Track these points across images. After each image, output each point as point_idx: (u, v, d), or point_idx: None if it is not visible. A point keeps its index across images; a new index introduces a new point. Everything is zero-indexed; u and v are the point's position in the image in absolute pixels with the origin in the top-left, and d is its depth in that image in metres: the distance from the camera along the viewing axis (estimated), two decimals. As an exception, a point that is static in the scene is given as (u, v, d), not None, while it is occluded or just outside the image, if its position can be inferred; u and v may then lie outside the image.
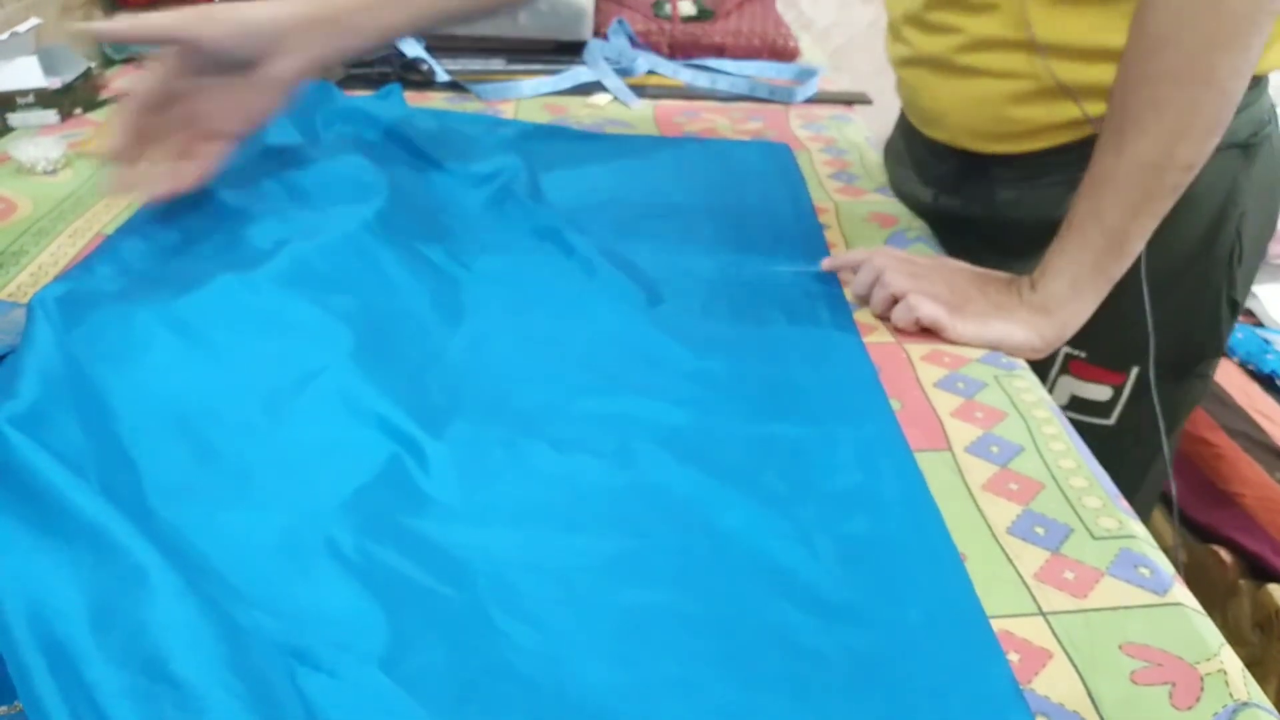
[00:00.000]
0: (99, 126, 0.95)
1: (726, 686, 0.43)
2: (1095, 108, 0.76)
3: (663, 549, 0.50)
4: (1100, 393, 0.85)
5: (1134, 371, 0.84)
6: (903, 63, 0.89)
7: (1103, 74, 0.70)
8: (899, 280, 0.71)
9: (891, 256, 0.74)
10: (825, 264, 0.77)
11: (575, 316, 0.70)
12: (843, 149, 1.02)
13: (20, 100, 0.95)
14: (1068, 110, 0.78)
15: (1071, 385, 0.86)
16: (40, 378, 0.50)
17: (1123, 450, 0.71)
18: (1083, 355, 0.84)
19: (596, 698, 0.42)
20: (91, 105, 1.01)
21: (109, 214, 0.80)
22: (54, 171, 0.87)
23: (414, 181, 0.83)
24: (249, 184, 0.78)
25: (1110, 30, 0.70)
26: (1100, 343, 0.81)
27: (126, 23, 0.69)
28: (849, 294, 0.75)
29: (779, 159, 0.99)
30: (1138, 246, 0.68)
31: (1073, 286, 0.69)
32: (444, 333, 0.67)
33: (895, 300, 0.71)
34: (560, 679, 0.43)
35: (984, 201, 0.87)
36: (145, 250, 0.69)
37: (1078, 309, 0.69)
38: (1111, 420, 0.86)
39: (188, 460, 0.51)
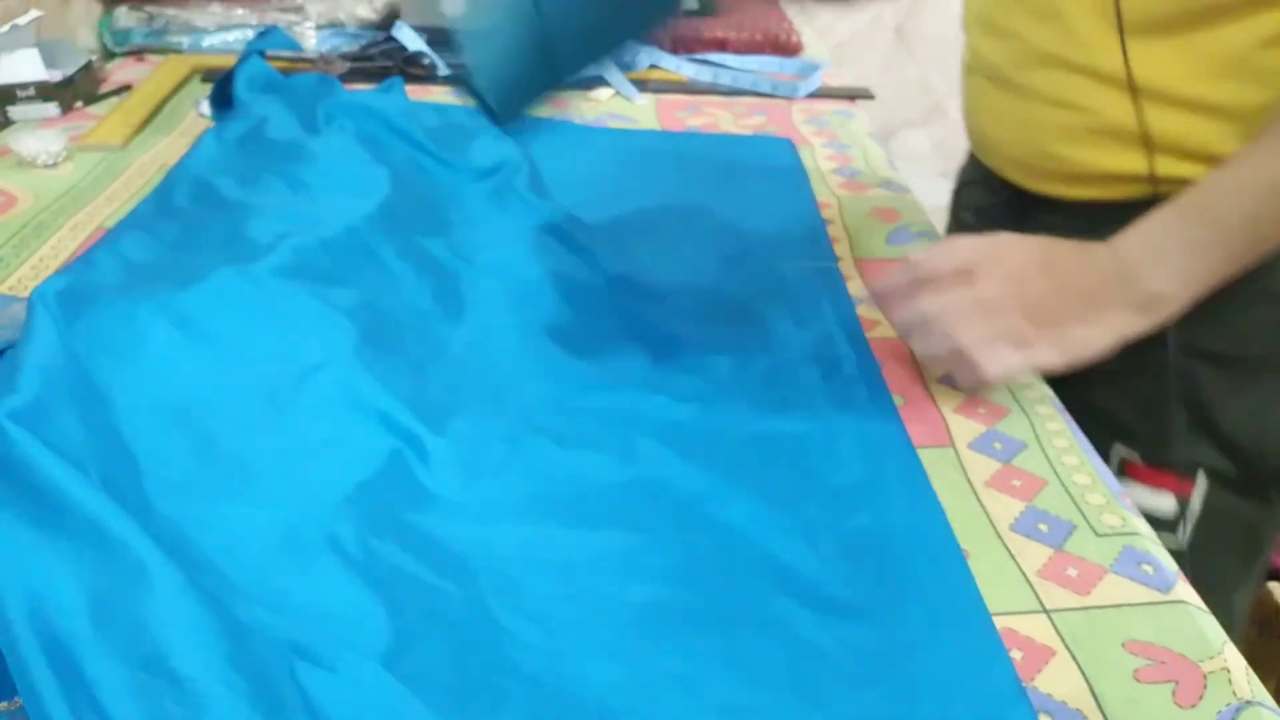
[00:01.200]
0: (100, 119, 0.94)
1: (729, 683, 0.43)
2: (1169, 166, 0.63)
3: (665, 545, 0.50)
4: (1162, 504, 0.67)
5: (1203, 478, 0.67)
6: (966, 69, 0.81)
7: (1187, 126, 0.59)
8: (961, 332, 0.56)
9: (943, 294, 0.56)
10: (872, 289, 0.63)
11: (577, 311, 0.70)
12: (845, 144, 1.02)
13: (20, 93, 0.95)
14: (1129, 160, 0.65)
15: (1131, 492, 0.67)
16: (40, 372, 0.49)
17: (1200, 579, 0.50)
18: (1137, 457, 0.68)
19: (599, 694, 0.42)
20: (92, 98, 1.00)
21: (110, 207, 0.80)
22: (55, 165, 0.87)
23: (416, 175, 0.83)
24: (251, 178, 0.78)
25: (1207, 75, 0.59)
26: (1155, 438, 0.65)
27: None
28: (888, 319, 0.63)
29: (782, 154, 0.98)
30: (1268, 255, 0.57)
31: (1187, 287, 0.56)
32: (446, 327, 0.66)
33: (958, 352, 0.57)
34: (563, 675, 0.43)
35: None
36: (146, 243, 0.69)
37: (1179, 308, 0.58)
38: (1181, 542, 0.67)
39: (188, 455, 0.50)
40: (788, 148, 0.99)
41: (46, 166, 0.86)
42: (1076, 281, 0.57)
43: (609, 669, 0.43)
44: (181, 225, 0.72)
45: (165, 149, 0.91)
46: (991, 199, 0.82)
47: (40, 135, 0.87)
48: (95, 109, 0.99)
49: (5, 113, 0.94)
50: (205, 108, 0.97)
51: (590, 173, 0.91)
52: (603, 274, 0.74)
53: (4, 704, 0.37)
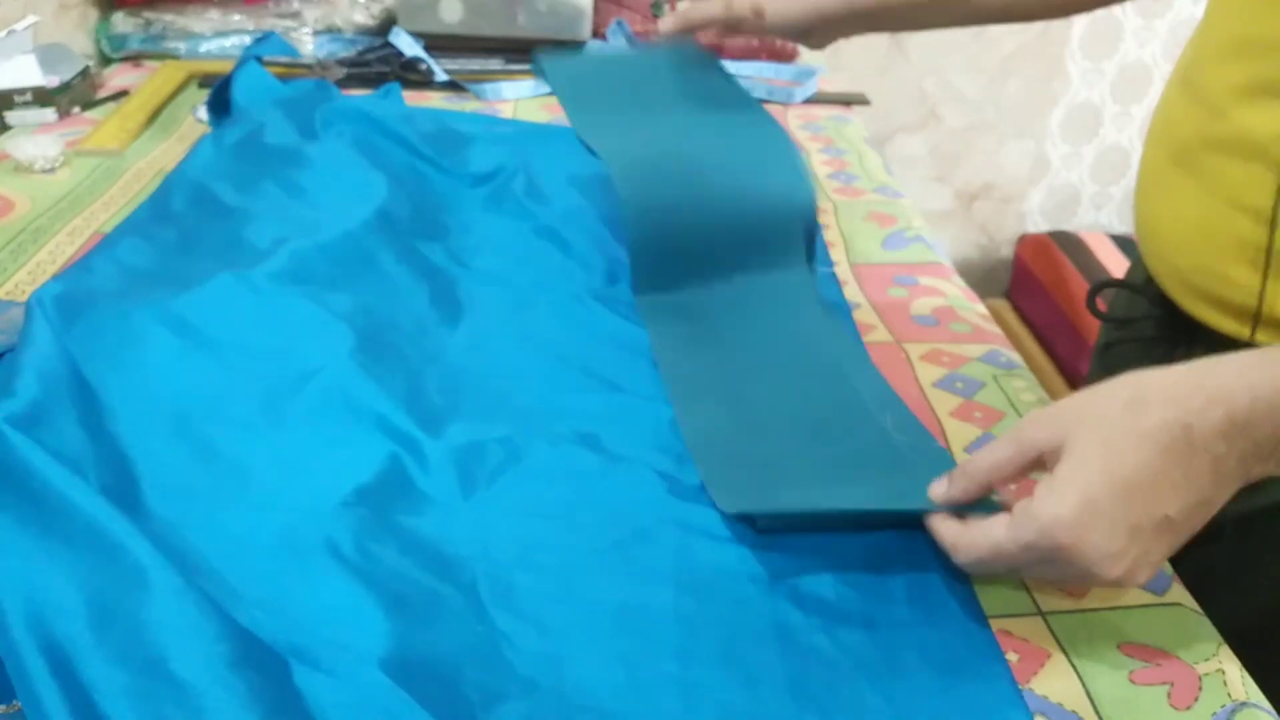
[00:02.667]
0: (97, 125, 0.94)
1: (725, 685, 0.43)
2: None
3: (661, 548, 0.50)
4: None
5: None
6: (1150, 139, 0.64)
7: None
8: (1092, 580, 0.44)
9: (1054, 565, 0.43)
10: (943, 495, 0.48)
11: (573, 316, 0.70)
12: (841, 149, 1.02)
13: (18, 98, 0.95)
14: None
15: None
16: (39, 376, 0.50)
17: None
18: None
19: (595, 696, 0.42)
20: (89, 103, 1.01)
21: (107, 212, 0.80)
22: (52, 170, 0.87)
23: (413, 180, 0.83)
24: (248, 183, 0.78)
25: None
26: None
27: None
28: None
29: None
30: None
31: None
32: (443, 331, 0.67)
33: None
34: (560, 678, 0.43)
35: None
36: (143, 249, 0.69)
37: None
38: None
39: (186, 459, 0.51)
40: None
41: (44, 171, 0.86)
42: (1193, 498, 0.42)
43: (606, 671, 0.43)
44: (179, 230, 0.72)
45: (162, 154, 0.91)
46: (1143, 310, 0.66)
47: (37, 140, 0.87)
48: (92, 114, 0.99)
49: (2, 118, 0.95)
50: (202, 113, 0.97)
51: (586, 178, 0.91)
52: (598, 278, 0.74)
53: (3, 707, 0.37)
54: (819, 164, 0.98)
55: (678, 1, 1.33)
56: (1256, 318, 0.56)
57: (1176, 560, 0.48)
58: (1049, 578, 0.48)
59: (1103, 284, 0.69)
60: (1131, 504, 0.41)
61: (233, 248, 0.69)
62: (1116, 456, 0.41)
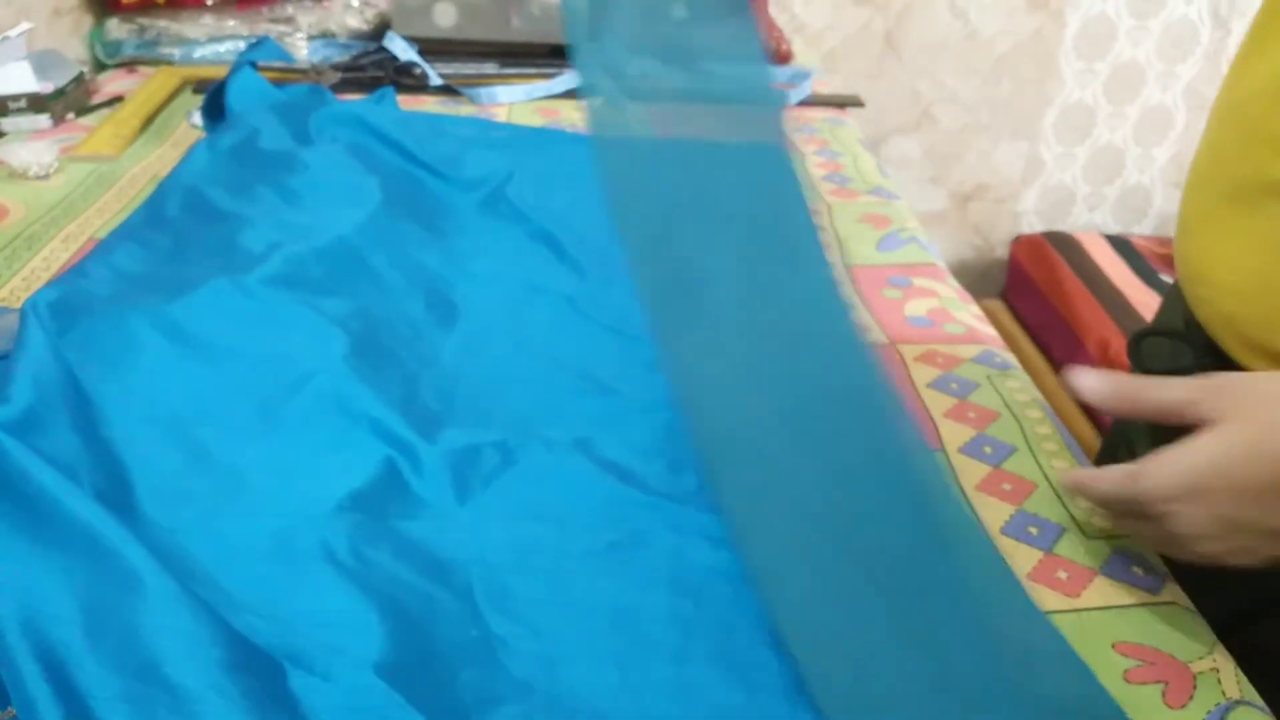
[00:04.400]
0: (91, 131, 0.94)
1: (721, 687, 0.43)
2: None
3: (656, 551, 0.50)
4: None
5: None
6: (1195, 179, 0.59)
7: None
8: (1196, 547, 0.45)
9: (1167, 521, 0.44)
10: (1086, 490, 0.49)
11: (567, 320, 0.70)
12: (836, 151, 1.02)
13: (12, 105, 0.95)
14: None
15: None
16: (33, 383, 0.50)
17: None
18: None
19: (590, 699, 0.42)
20: (84, 110, 1.01)
21: (101, 219, 0.80)
22: (46, 176, 0.87)
23: (407, 185, 0.83)
24: (243, 189, 0.78)
25: None
26: None
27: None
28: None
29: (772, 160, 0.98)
30: None
31: None
32: (437, 336, 0.67)
33: None
34: (554, 680, 0.43)
35: None
36: (138, 254, 0.69)
37: None
38: None
39: (180, 464, 0.51)
40: (779, 154, 1.00)
41: (38, 178, 0.86)
42: None
43: (601, 674, 0.43)
44: (173, 236, 0.72)
45: (157, 160, 0.91)
46: (1189, 360, 0.61)
47: (32, 147, 0.87)
48: (86, 120, 0.99)
49: (-4, 125, 0.95)
50: (197, 119, 0.97)
51: (581, 182, 0.90)
52: (592, 283, 0.74)
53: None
54: (814, 166, 0.98)
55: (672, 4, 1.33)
56: None
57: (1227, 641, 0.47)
58: (1145, 535, 0.49)
59: (1145, 333, 0.66)
60: (1242, 504, 0.42)
61: (227, 252, 0.69)
62: (1254, 458, 0.41)
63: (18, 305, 0.65)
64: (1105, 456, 0.72)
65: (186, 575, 0.42)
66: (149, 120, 0.99)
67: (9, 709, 0.36)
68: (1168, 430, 0.49)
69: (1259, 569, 0.45)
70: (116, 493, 0.47)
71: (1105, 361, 1.54)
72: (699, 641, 0.45)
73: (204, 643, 0.38)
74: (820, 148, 1.03)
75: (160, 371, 0.56)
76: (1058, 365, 1.73)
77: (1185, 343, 0.63)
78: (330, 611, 0.43)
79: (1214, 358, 0.59)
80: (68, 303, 0.59)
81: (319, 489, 0.49)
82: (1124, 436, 0.70)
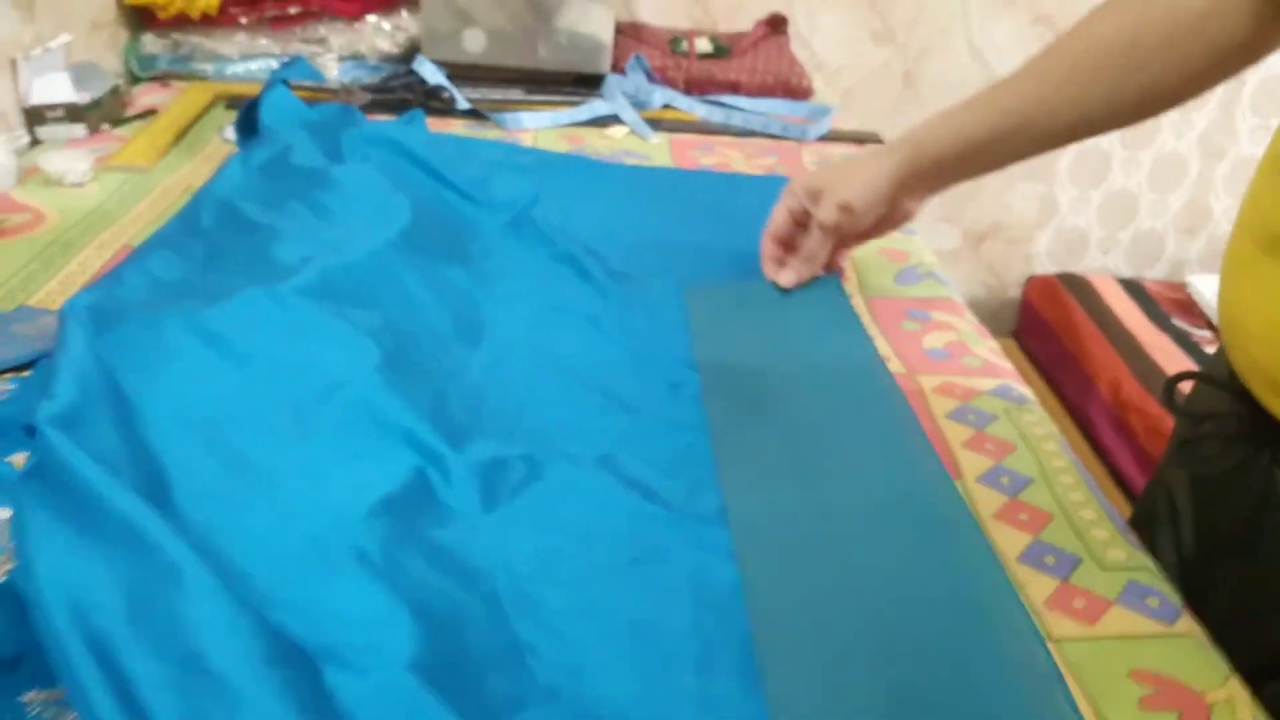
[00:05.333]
0: (125, 142, 0.96)
1: (744, 698, 0.44)
2: None
3: (678, 567, 0.51)
4: None
5: None
6: (1238, 226, 0.60)
7: None
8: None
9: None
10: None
11: (590, 339, 0.71)
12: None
13: (49, 114, 0.97)
14: None
15: None
16: (75, 381, 0.51)
17: None
18: None
19: (614, 706, 0.43)
20: (118, 120, 1.03)
21: (135, 227, 0.81)
22: (81, 184, 0.88)
23: (435, 205, 0.85)
24: (276, 203, 0.79)
25: None
26: None
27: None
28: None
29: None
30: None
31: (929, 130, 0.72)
32: (464, 351, 0.68)
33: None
34: (579, 687, 0.44)
35: (1238, 496, 0.61)
36: (173, 262, 0.71)
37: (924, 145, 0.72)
38: None
39: (216, 467, 0.52)
40: (798, 188, 1.01)
41: (73, 185, 0.88)
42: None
43: (624, 682, 0.44)
44: (207, 246, 0.74)
45: (190, 172, 0.92)
46: (1225, 405, 0.63)
47: (68, 155, 0.89)
48: (121, 131, 1.01)
49: (34, 133, 0.96)
50: (230, 133, 0.99)
51: (605, 207, 0.92)
52: (615, 304, 0.76)
53: (46, 693, 0.38)
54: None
55: (695, 38, 1.36)
56: None
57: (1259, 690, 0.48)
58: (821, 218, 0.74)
59: (1181, 376, 0.66)
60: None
61: (260, 263, 0.70)
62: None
63: (53, 307, 0.67)
64: (1144, 502, 0.73)
65: (223, 572, 0.43)
66: (182, 133, 1.01)
67: (57, 688, 0.37)
68: (1205, 482, 0.59)
69: None
70: (154, 490, 0.48)
71: (1117, 403, 1.55)
72: (721, 654, 0.46)
73: (244, 635, 0.39)
74: (840, 181, 1.04)
75: (196, 375, 0.57)
76: (1069, 405, 1.74)
77: (1223, 389, 0.63)
78: (363, 611, 0.43)
79: (1248, 406, 0.60)
80: (105, 306, 0.60)
81: (351, 494, 0.50)
82: (1162, 483, 0.71)
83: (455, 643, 0.44)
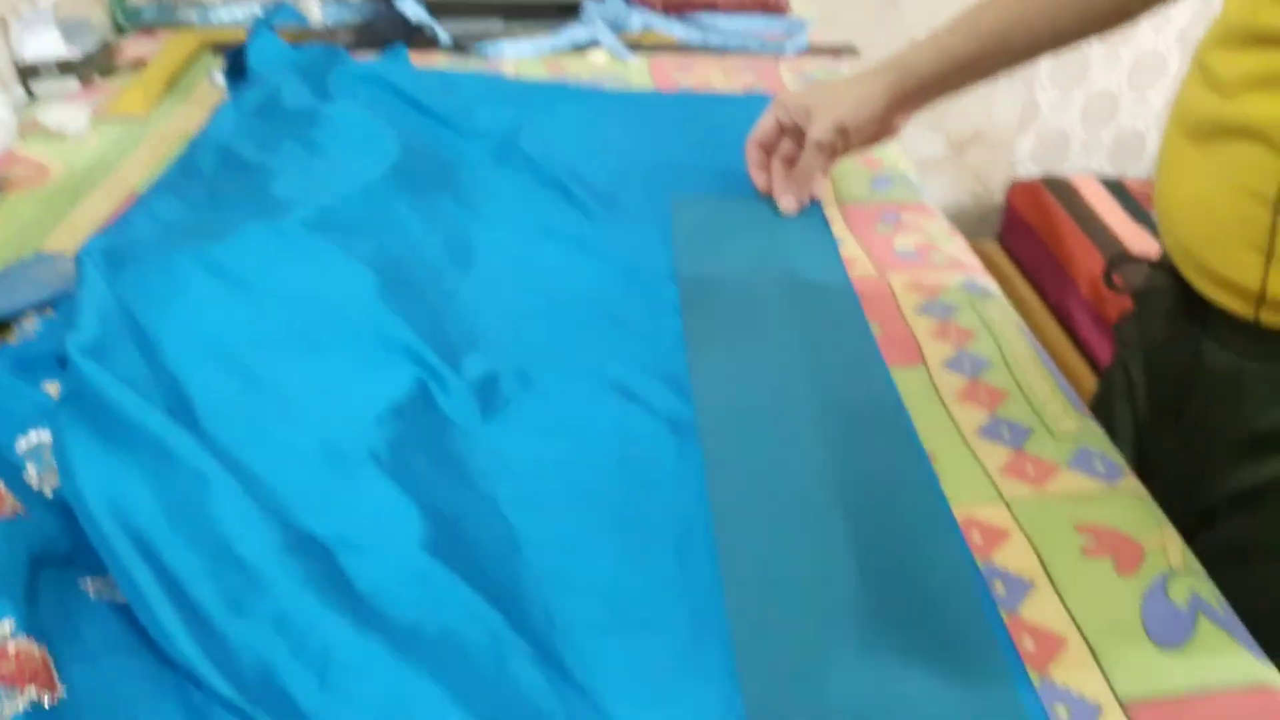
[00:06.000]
0: (119, 92, 0.99)
1: (717, 572, 0.49)
2: None
3: (661, 459, 0.56)
4: None
5: None
6: (1171, 118, 0.65)
7: None
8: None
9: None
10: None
11: (578, 259, 0.75)
12: (830, 97, 1.06)
13: (43, 69, 0.99)
14: None
15: None
16: (98, 316, 0.55)
17: None
18: None
19: (603, 583, 0.48)
20: (109, 71, 1.05)
21: (137, 173, 0.85)
22: (81, 135, 0.92)
23: (423, 137, 0.88)
24: (270, 144, 0.83)
25: None
26: None
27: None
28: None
29: (769, 109, 1.03)
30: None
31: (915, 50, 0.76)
32: (456, 275, 0.72)
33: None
34: (571, 570, 0.48)
35: (1176, 366, 0.67)
36: (176, 205, 0.75)
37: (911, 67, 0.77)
38: None
39: (233, 387, 0.56)
40: (775, 103, 1.04)
41: (73, 137, 0.91)
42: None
43: (612, 564, 0.49)
44: (208, 188, 0.77)
45: (185, 117, 0.96)
46: (1161, 284, 0.68)
47: (65, 108, 0.92)
48: (113, 83, 1.04)
49: (29, 88, 0.99)
50: (219, 78, 1.02)
51: (588, 132, 0.95)
52: (601, 225, 0.79)
53: (99, 580, 0.43)
54: (808, 112, 1.03)
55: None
56: (1260, 300, 0.57)
57: (1193, 539, 0.53)
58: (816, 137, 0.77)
59: (1119, 259, 0.72)
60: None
61: (260, 201, 0.74)
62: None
63: (69, 253, 0.71)
64: (1106, 380, 0.78)
65: (245, 479, 0.48)
66: (173, 81, 1.03)
67: (106, 576, 0.42)
68: (1151, 354, 0.65)
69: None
70: (178, 411, 0.52)
71: (1096, 298, 1.59)
72: (699, 535, 0.51)
73: (266, 529, 0.44)
74: (815, 94, 1.07)
75: (207, 306, 0.61)
76: (1052, 305, 1.78)
77: (1159, 270, 0.69)
78: (375, 504, 0.48)
79: (1181, 285, 0.65)
80: (117, 249, 0.64)
81: (360, 405, 0.55)
82: (1120, 361, 0.76)
83: (458, 533, 0.49)
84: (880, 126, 0.81)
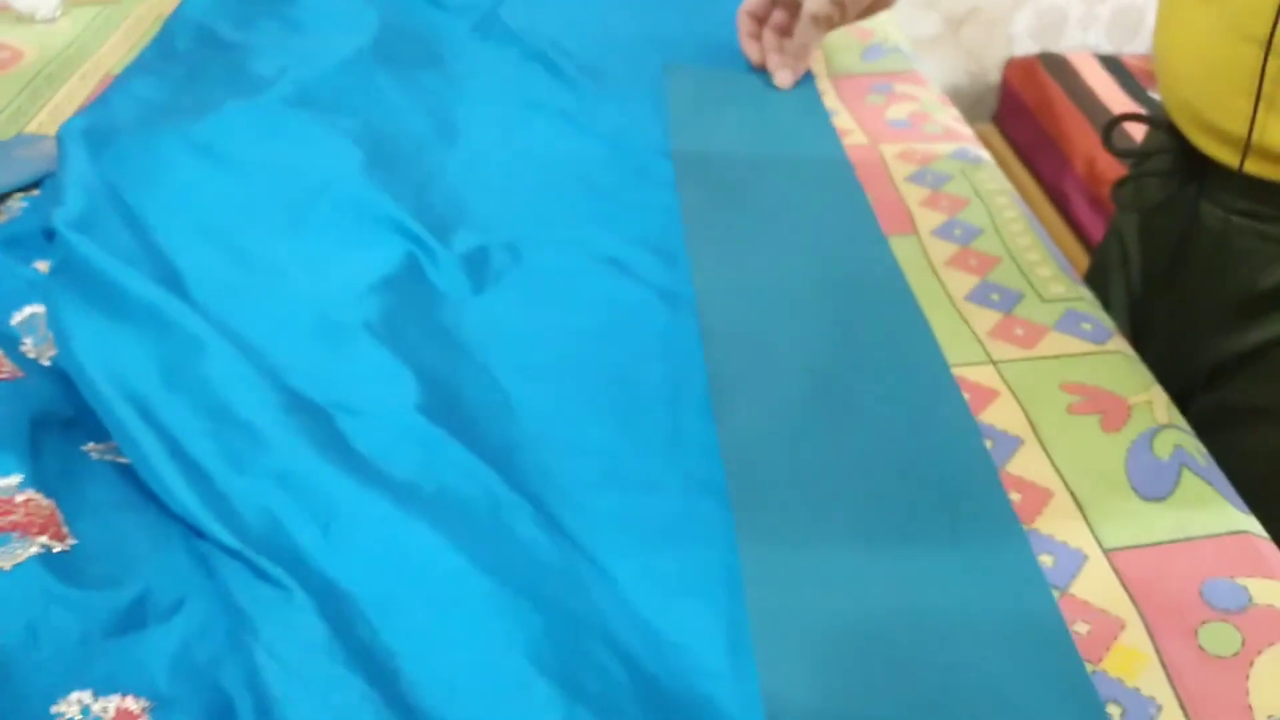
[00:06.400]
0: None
1: (710, 429, 0.49)
2: None
3: (649, 325, 0.56)
4: None
5: None
6: None
7: None
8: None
9: None
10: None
11: (564, 132, 0.74)
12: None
13: (10, -48, 0.96)
14: None
15: None
16: (84, 192, 0.55)
17: None
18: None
19: (593, 441, 0.48)
20: (80, -46, 1.02)
21: (114, 56, 0.83)
22: (53, 19, 0.89)
23: (402, 13, 0.86)
24: (246, 21, 0.81)
25: None
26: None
27: None
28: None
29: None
30: None
31: None
32: (442, 150, 0.71)
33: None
34: (565, 431, 0.49)
35: (1171, 230, 0.67)
36: (155, 85, 0.73)
37: None
38: None
39: (223, 262, 0.56)
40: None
41: (45, 21, 0.89)
42: None
43: (603, 424, 0.49)
44: (186, 67, 0.76)
45: (158, 1, 0.93)
46: (1160, 144, 0.67)
47: (35, -9, 0.90)
48: (84, -35, 1.00)
49: (-3, -29, 0.96)
50: (192, -42, 0.98)
51: (571, 4, 0.93)
52: (587, 98, 0.78)
53: (102, 445, 0.43)
54: (799, -17, 1.00)
55: None
56: (1247, 146, 0.57)
57: (1186, 407, 0.53)
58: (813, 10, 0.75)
59: (1121, 118, 0.69)
60: None
61: (239, 79, 0.73)
62: None
63: (50, 134, 0.70)
64: (1100, 251, 0.79)
65: (241, 346, 0.48)
66: (145, -38, 1.00)
67: (108, 441, 0.42)
68: (1147, 217, 0.65)
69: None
70: (169, 285, 0.52)
71: (1091, 177, 1.57)
72: (687, 396, 0.51)
73: (263, 391, 0.44)
74: (806, -35, 1.04)
75: (192, 184, 0.61)
76: (1047, 185, 1.76)
77: (1158, 129, 0.68)
78: (371, 370, 0.49)
79: (1179, 142, 0.64)
80: (99, 128, 0.63)
81: (350, 278, 0.55)
82: (1115, 230, 0.76)
83: (452, 398, 0.49)
84: None
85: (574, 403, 0.51)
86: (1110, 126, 0.68)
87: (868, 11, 0.81)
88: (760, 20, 0.82)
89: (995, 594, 0.42)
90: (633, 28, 0.90)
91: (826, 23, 0.78)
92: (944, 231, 0.64)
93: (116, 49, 0.85)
